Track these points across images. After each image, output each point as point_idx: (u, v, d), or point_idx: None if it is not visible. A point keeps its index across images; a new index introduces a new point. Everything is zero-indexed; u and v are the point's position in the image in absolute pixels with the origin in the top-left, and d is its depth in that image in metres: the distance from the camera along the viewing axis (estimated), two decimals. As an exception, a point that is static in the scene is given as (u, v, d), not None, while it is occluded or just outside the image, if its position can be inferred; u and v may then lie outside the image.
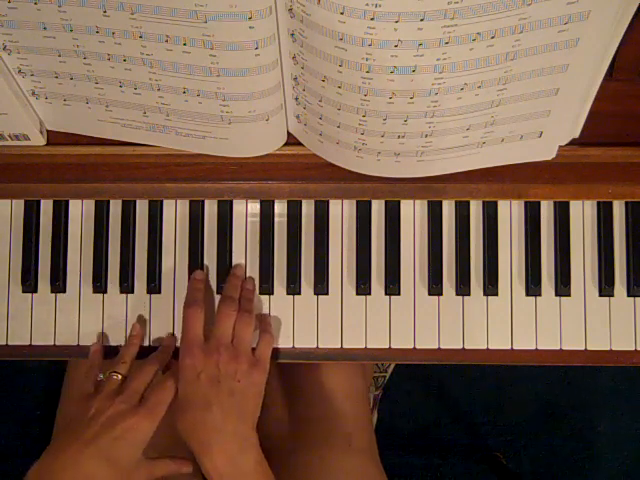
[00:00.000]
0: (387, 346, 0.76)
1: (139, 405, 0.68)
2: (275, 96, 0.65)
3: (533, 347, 0.76)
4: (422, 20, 0.53)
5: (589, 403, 1.45)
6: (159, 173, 0.74)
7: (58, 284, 0.77)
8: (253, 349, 0.73)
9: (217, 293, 0.77)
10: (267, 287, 0.77)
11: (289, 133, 0.72)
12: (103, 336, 0.77)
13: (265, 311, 0.77)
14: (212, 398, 0.68)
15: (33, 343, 0.77)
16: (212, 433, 0.67)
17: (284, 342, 0.76)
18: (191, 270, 0.77)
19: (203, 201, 0.77)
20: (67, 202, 0.78)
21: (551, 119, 0.66)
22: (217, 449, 0.67)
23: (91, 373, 0.72)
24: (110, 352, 0.76)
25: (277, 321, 0.77)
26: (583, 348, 0.76)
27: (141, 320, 0.77)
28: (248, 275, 0.77)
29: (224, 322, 0.72)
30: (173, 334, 0.77)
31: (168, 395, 0.70)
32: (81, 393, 0.71)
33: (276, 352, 0.76)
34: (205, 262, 0.77)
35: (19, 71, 0.66)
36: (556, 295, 0.76)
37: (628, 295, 0.76)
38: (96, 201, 0.77)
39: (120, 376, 0.70)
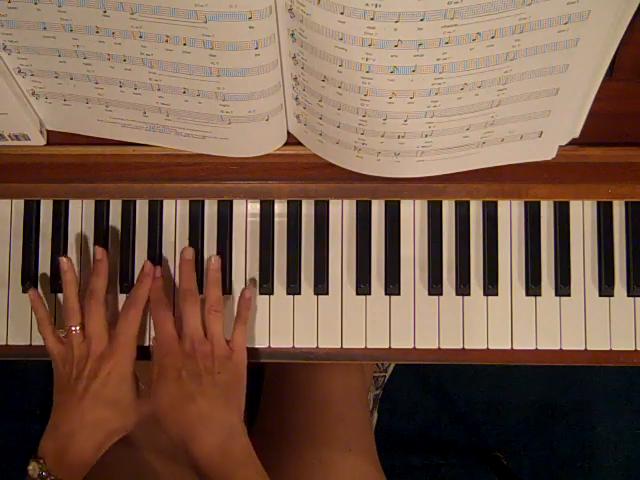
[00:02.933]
0: (387, 346, 0.76)
1: (110, 344, 0.71)
2: (275, 96, 0.65)
3: (533, 347, 0.76)
4: (422, 20, 0.53)
5: (589, 403, 1.45)
6: (159, 173, 0.74)
7: (58, 284, 0.77)
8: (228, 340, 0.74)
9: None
10: (267, 287, 0.77)
11: (289, 133, 0.72)
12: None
13: (265, 311, 0.77)
14: (195, 391, 0.69)
15: (33, 343, 0.77)
16: (198, 423, 0.68)
17: (284, 342, 0.76)
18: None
19: (203, 201, 0.77)
20: (67, 202, 0.78)
21: (551, 119, 0.66)
22: (205, 437, 0.68)
23: (48, 330, 0.73)
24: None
25: (277, 321, 0.77)
26: (583, 348, 0.76)
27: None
28: (249, 274, 0.77)
29: (192, 319, 0.72)
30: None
31: (133, 324, 0.72)
32: (56, 354, 0.72)
33: (276, 352, 0.76)
34: (205, 262, 0.77)
35: (19, 71, 0.66)
36: (556, 295, 0.76)
37: (628, 295, 0.76)
38: (96, 201, 0.77)
39: (78, 326, 0.71)
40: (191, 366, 0.70)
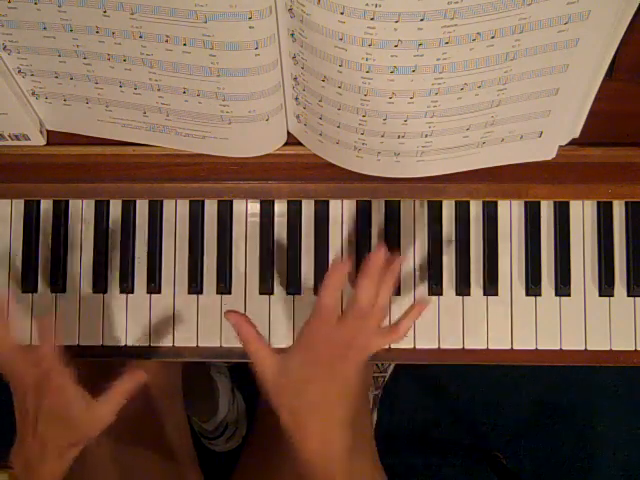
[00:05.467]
0: (387, 346, 0.76)
1: (45, 366, 0.66)
2: (275, 96, 0.65)
3: (533, 347, 0.76)
4: (422, 20, 0.53)
5: (589, 403, 1.45)
6: (159, 173, 0.74)
7: (58, 284, 0.77)
8: None
9: (217, 293, 0.77)
10: (267, 287, 0.77)
11: (289, 133, 0.72)
12: (103, 335, 0.77)
13: (265, 311, 0.77)
14: (340, 396, 0.67)
15: (34, 343, 0.77)
16: (314, 414, 0.67)
17: (284, 342, 0.76)
18: (191, 270, 0.77)
19: (203, 201, 0.77)
20: (67, 202, 0.78)
21: (551, 119, 0.66)
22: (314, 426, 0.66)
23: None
24: (111, 352, 0.76)
25: (277, 321, 0.77)
26: (583, 348, 0.76)
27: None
28: (249, 273, 0.77)
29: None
30: (173, 333, 0.77)
31: (55, 367, 0.67)
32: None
33: (276, 352, 0.76)
34: (205, 262, 0.77)
35: (19, 71, 0.66)
36: (556, 295, 0.76)
37: (628, 295, 0.76)
38: (96, 201, 0.77)
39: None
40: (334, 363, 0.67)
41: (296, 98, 0.67)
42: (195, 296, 0.77)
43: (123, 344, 0.76)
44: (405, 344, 0.76)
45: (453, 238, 0.77)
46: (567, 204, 0.76)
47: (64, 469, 0.68)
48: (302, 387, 0.66)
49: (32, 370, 0.67)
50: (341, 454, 0.68)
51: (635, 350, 0.76)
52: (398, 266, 0.69)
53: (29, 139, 0.72)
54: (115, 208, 0.78)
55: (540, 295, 0.76)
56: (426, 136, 0.65)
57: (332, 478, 0.66)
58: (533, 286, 0.76)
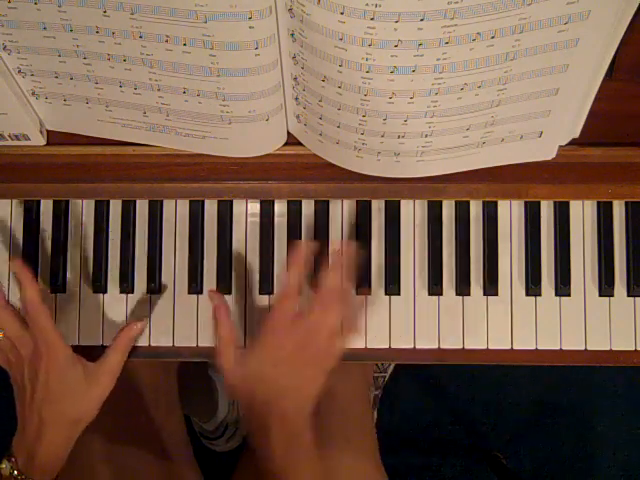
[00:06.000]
0: (387, 346, 0.76)
1: (35, 344, 0.68)
2: (275, 96, 0.65)
3: (533, 347, 0.76)
4: (422, 20, 0.53)
5: (589, 403, 1.45)
6: (159, 173, 0.74)
7: (58, 284, 0.77)
8: None
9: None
10: (267, 287, 0.77)
11: (289, 133, 0.72)
12: (103, 335, 0.77)
13: (265, 311, 0.77)
14: (290, 389, 0.68)
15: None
16: (276, 419, 0.67)
17: (284, 342, 0.76)
18: (191, 270, 0.77)
19: (203, 201, 0.77)
20: (67, 202, 0.78)
21: (551, 119, 0.66)
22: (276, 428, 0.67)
23: None
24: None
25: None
26: (583, 348, 0.76)
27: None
28: (249, 273, 0.77)
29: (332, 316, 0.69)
30: (173, 332, 0.77)
31: (43, 317, 0.69)
32: (2, 364, 0.72)
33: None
34: (205, 262, 0.77)
35: (19, 71, 0.66)
36: (556, 295, 0.76)
37: (628, 295, 0.76)
38: (96, 201, 0.77)
39: (1, 332, 0.70)
40: (299, 355, 0.68)
41: (296, 98, 0.67)
42: (195, 296, 0.77)
43: (123, 344, 0.76)
44: (405, 344, 0.76)
45: (453, 238, 0.77)
46: (567, 204, 0.76)
47: (65, 453, 0.69)
48: (256, 385, 0.67)
49: (25, 339, 0.69)
50: (308, 456, 0.68)
51: (635, 350, 0.76)
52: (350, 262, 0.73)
53: (29, 139, 0.72)
54: (115, 208, 0.78)
55: (540, 295, 0.76)
56: (426, 136, 0.65)
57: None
58: (533, 286, 0.76)
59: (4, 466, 0.67)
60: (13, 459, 0.67)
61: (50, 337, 0.69)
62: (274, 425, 0.66)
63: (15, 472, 0.67)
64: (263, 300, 0.77)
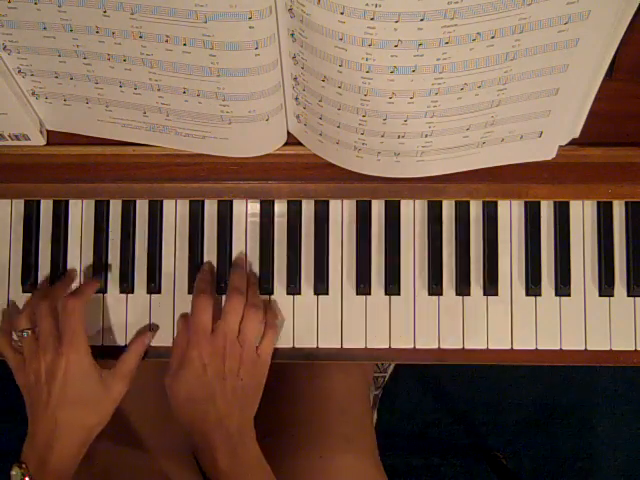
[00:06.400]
0: (387, 346, 0.76)
1: (59, 344, 0.68)
2: (275, 96, 0.65)
3: (533, 347, 0.76)
4: (422, 20, 0.53)
5: (589, 403, 1.45)
6: (159, 173, 0.74)
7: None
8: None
9: (217, 293, 0.77)
10: (267, 287, 0.77)
11: (289, 133, 0.72)
12: (103, 335, 0.77)
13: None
14: (217, 392, 0.69)
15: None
16: (215, 427, 0.68)
17: (284, 342, 0.76)
18: (191, 270, 0.77)
19: (203, 201, 0.77)
20: (67, 202, 0.78)
21: (551, 119, 0.66)
22: (219, 444, 0.67)
23: (3, 341, 0.72)
24: (110, 352, 0.76)
25: (277, 321, 0.77)
26: (583, 348, 0.76)
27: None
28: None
29: (232, 316, 0.71)
30: (173, 332, 0.77)
31: (77, 318, 0.69)
32: (13, 364, 0.71)
33: (276, 352, 0.76)
34: (205, 262, 0.77)
35: (19, 71, 0.66)
36: (556, 295, 0.76)
37: (628, 295, 0.76)
38: (96, 201, 0.77)
39: (29, 330, 0.70)
40: (217, 365, 0.69)
41: (296, 98, 0.67)
42: (195, 296, 0.77)
43: (123, 344, 0.76)
44: (405, 344, 0.76)
45: (453, 238, 0.77)
46: (567, 204, 0.76)
47: (77, 459, 0.69)
48: (189, 406, 0.69)
49: (52, 340, 0.69)
50: (254, 465, 0.69)
51: (635, 350, 0.76)
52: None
53: (29, 139, 0.72)
54: (115, 208, 0.78)
55: (540, 295, 0.76)
56: (426, 136, 0.65)
57: None
58: (533, 286, 0.76)
59: (14, 473, 0.65)
60: (24, 465, 0.66)
61: (78, 340, 0.69)
62: (219, 444, 0.67)
63: (26, 479, 0.65)
64: (263, 300, 0.77)
